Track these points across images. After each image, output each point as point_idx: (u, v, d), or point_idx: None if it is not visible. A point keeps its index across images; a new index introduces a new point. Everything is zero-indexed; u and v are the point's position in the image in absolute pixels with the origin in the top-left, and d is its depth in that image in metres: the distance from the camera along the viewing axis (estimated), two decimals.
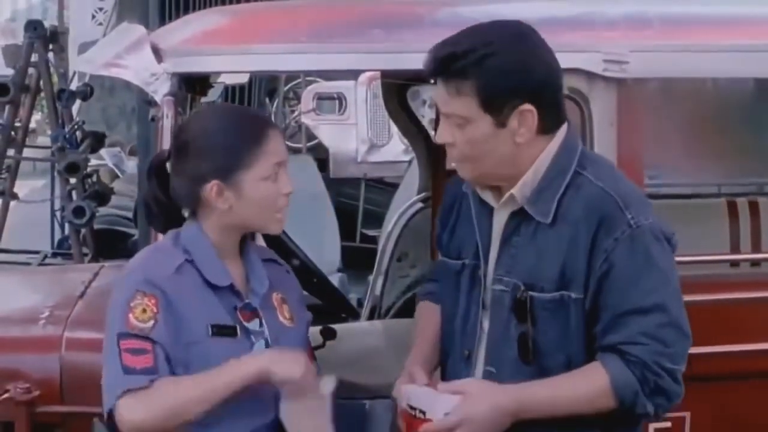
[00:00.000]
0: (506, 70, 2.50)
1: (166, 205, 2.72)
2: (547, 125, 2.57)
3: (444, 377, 2.75)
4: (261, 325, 2.71)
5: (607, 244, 2.51)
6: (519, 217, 2.61)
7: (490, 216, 2.69)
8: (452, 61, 2.51)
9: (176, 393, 2.53)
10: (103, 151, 9.93)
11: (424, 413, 2.56)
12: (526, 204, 2.59)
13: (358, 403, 2.76)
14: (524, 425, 2.53)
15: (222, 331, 2.63)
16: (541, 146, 2.58)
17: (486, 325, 2.68)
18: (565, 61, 3.06)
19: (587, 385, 2.52)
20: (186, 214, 2.73)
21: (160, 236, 2.97)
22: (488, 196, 2.68)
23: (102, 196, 8.14)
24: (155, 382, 2.53)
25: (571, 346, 2.57)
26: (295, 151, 9.36)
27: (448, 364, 2.78)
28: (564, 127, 2.62)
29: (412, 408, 2.59)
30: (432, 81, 2.61)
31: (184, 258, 2.65)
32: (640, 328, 2.50)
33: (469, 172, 2.64)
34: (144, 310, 2.56)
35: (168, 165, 2.74)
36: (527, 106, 2.51)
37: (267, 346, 2.69)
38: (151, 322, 2.56)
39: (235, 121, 2.69)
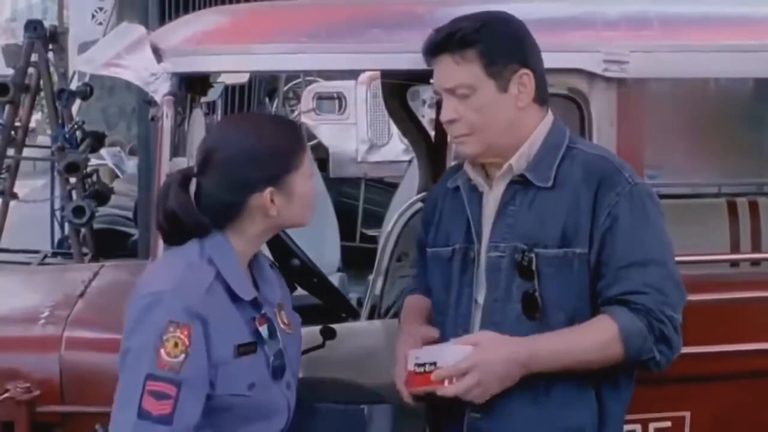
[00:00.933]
0: (504, 36, 2.71)
1: (198, 219, 2.65)
2: (542, 94, 2.74)
3: None
4: (275, 335, 2.69)
5: (610, 199, 2.66)
6: (516, 185, 2.74)
7: (479, 200, 2.81)
8: (455, 34, 2.69)
9: None
10: (103, 151, 9.93)
11: (434, 364, 2.58)
12: (526, 171, 2.73)
13: (356, 408, 2.75)
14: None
15: (246, 349, 2.61)
16: (538, 116, 2.76)
17: (481, 299, 2.75)
18: (565, 61, 3.08)
19: (597, 335, 2.62)
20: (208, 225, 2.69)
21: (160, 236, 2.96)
22: (479, 179, 2.80)
23: (102, 195, 8.15)
24: None
25: (575, 302, 2.67)
26: None
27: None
28: (550, 115, 2.79)
29: (421, 365, 2.61)
30: (431, 64, 2.75)
31: (213, 274, 2.60)
32: (643, 279, 2.62)
33: (474, 145, 2.74)
34: (176, 344, 2.50)
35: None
36: (525, 71, 2.70)
37: (280, 355, 2.69)
38: (183, 356, 2.50)
39: (275, 127, 2.72)
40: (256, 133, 2.67)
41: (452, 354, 2.58)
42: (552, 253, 2.67)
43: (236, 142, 2.65)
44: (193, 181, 2.67)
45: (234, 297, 2.61)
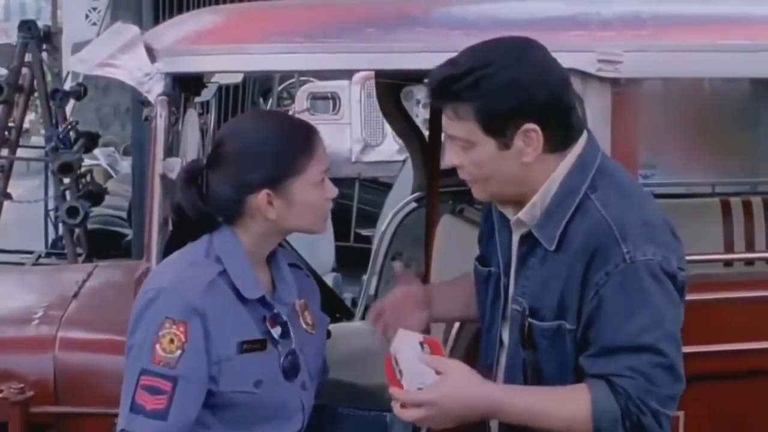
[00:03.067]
0: (505, 90, 2.40)
1: (203, 213, 2.65)
2: (556, 143, 2.47)
3: None
4: (288, 335, 2.68)
5: (598, 278, 2.41)
6: (530, 239, 2.54)
7: (510, 231, 2.62)
8: (449, 84, 2.44)
9: None
10: (96, 151, 9.92)
11: (401, 374, 2.49)
12: (534, 228, 2.51)
13: (379, 415, 2.75)
14: None
15: (252, 346, 2.61)
16: (552, 164, 2.49)
17: (505, 339, 2.64)
18: (559, 61, 3.07)
19: (567, 404, 2.42)
20: (219, 220, 2.68)
21: (155, 233, 2.96)
22: (509, 212, 2.61)
23: (96, 196, 8.14)
24: None
25: (570, 379, 2.49)
26: None
27: (477, 365, 2.69)
28: (581, 141, 2.53)
29: (396, 361, 2.52)
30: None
31: (217, 271, 2.59)
32: (629, 363, 2.38)
33: (480, 193, 2.57)
34: (171, 340, 2.50)
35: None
36: (531, 125, 2.42)
37: (293, 356, 2.68)
38: (178, 353, 2.50)
39: (285, 128, 2.67)
40: (261, 131, 2.65)
41: (418, 375, 2.47)
42: (546, 326, 2.48)
43: (241, 138, 2.64)
44: (204, 175, 2.67)
45: (240, 294, 2.61)
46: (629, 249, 2.40)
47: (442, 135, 4.78)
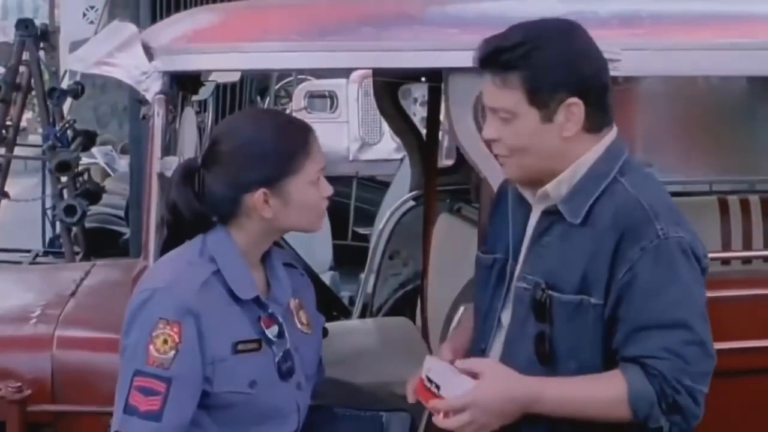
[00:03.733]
0: (553, 63, 2.48)
1: (199, 212, 2.64)
2: (594, 123, 2.53)
3: None
4: (283, 335, 2.68)
5: (632, 254, 2.45)
6: (552, 216, 2.57)
7: (526, 214, 2.65)
8: (500, 54, 2.49)
9: None
10: (94, 150, 9.90)
11: (438, 387, 2.53)
12: (559, 203, 2.55)
13: (375, 415, 2.75)
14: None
15: (246, 347, 2.60)
16: (587, 145, 2.55)
17: (505, 320, 2.66)
18: None
19: (604, 390, 2.46)
20: (214, 219, 2.68)
21: (152, 231, 2.96)
22: (528, 194, 2.65)
23: (93, 194, 8.13)
24: None
25: (586, 352, 2.52)
26: None
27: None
28: (612, 132, 2.59)
29: (429, 380, 2.56)
30: (480, 74, 2.57)
31: (211, 271, 2.59)
32: (662, 343, 2.43)
33: (514, 168, 2.59)
34: (165, 341, 2.50)
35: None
36: (574, 100, 2.49)
37: (288, 355, 2.67)
38: (172, 353, 2.49)
39: (282, 127, 2.66)
40: (258, 130, 2.64)
41: (455, 384, 2.51)
42: (566, 299, 2.50)
43: (238, 137, 2.63)
44: (200, 174, 2.66)
45: (234, 294, 2.60)
46: (662, 226, 2.46)
47: (440, 133, 4.78)
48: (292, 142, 2.63)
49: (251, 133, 2.63)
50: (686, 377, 2.43)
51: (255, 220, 2.63)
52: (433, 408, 2.50)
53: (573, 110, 2.49)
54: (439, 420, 2.48)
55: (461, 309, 3.03)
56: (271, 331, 2.64)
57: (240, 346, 2.59)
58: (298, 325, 2.74)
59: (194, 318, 2.52)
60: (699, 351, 2.46)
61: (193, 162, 2.69)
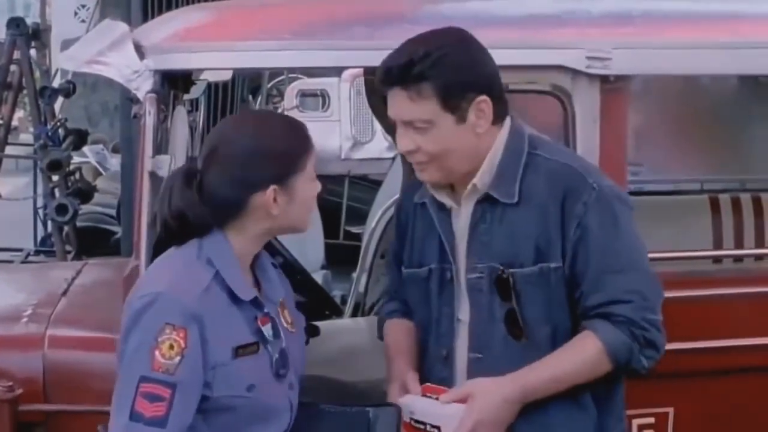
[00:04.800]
0: (460, 66, 2.62)
1: (202, 215, 2.61)
2: (499, 114, 2.69)
3: (422, 383, 2.76)
4: (278, 334, 2.68)
5: (577, 209, 2.63)
6: (483, 204, 2.70)
7: (449, 218, 2.77)
8: (410, 67, 2.61)
9: None
10: (85, 149, 9.89)
11: (438, 428, 2.61)
12: (489, 188, 2.69)
13: (361, 411, 2.75)
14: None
15: (246, 351, 2.59)
16: (495, 134, 2.70)
17: (464, 317, 2.74)
18: (548, 58, 3.08)
19: (584, 356, 2.62)
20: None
21: (144, 230, 2.95)
22: (445, 198, 2.76)
23: (85, 193, 8.12)
24: None
25: (556, 316, 2.67)
26: None
27: (423, 370, 2.80)
28: (507, 116, 2.73)
29: (420, 423, 2.63)
30: (384, 92, 2.69)
31: (211, 275, 2.57)
32: (622, 286, 2.62)
33: (434, 173, 2.71)
34: (171, 346, 2.48)
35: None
36: (483, 98, 2.63)
37: (284, 354, 2.67)
38: (178, 359, 2.48)
39: (286, 127, 2.69)
40: (263, 130, 2.65)
41: (451, 414, 2.59)
42: (528, 271, 2.65)
43: (242, 139, 2.62)
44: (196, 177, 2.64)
45: (234, 297, 2.59)
46: (594, 180, 2.67)
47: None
48: (297, 139, 2.66)
49: (257, 134, 2.64)
50: (648, 312, 2.63)
51: (258, 220, 2.62)
52: None
53: (482, 107, 2.64)
54: None
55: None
56: (267, 330, 2.64)
57: (240, 351, 2.58)
58: (285, 324, 2.74)
59: (198, 324, 2.51)
60: (651, 285, 2.66)
61: (193, 166, 2.67)
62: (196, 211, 2.60)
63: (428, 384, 2.71)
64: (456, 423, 2.57)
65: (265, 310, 2.66)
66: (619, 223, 2.66)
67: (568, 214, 2.63)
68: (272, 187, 2.59)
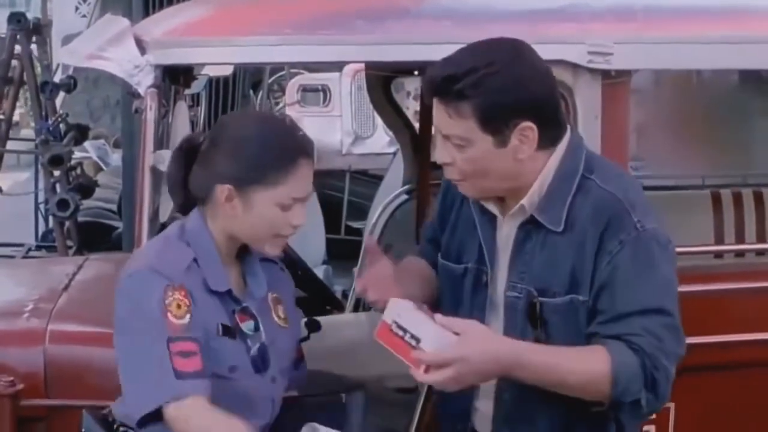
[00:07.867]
0: (505, 89, 2.48)
1: (181, 187, 2.69)
2: (548, 140, 2.56)
3: None
4: (257, 328, 2.69)
5: (612, 246, 2.52)
6: (529, 225, 2.60)
7: (492, 223, 2.68)
8: (452, 83, 2.48)
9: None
10: (87, 144, 9.88)
11: (418, 340, 2.46)
12: (536, 212, 2.58)
13: (336, 396, 2.76)
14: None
15: (227, 331, 2.63)
16: (543, 160, 2.57)
17: (493, 328, 2.64)
18: (549, 52, 3.06)
19: (588, 362, 2.49)
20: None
21: (145, 225, 2.96)
22: (492, 206, 2.67)
23: (86, 188, 8.10)
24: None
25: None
26: None
27: None
28: (566, 135, 2.61)
29: (401, 328, 2.49)
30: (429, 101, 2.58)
31: (192, 257, 2.62)
32: (642, 325, 2.49)
33: (470, 189, 2.63)
34: (179, 305, 2.54)
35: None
36: (527, 123, 2.50)
37: (263, 349, 2.68)
38: (188, 317, 2.54)
39: (273, 138, 2.63)
40: (252, 130, 2.65)
41: (437, 337, 2.45)
42: (559, 301, 2.55)
43: (235, 129, 2.66)
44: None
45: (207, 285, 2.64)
46: (639, 218, 2.53)
47: (432, 128, 4.77)
48: (277, 156, 2.60)
49: (245, 130, 2.65)
50: (663, 356, 2.49)
51: (223, 215, 2.64)
52: (416, 361, 2.45)
53: (527, 134, 2.51)
54: (419, 374, 2.45)
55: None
56: (247, 326, 2.67)
57: (223, 329, 2.62)
58: (275, 319, 2.75)
59: (188, 290, 2.57)
60: (674, 334, 2.53)
61: (195, 138, 2.71)
62: (173, 181, 2.70)
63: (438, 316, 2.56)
64: (438, 345, 2.43)
65: (243, 305, 2.67)
66: (654, 267, 2.53)
67: (603, 249, 2.52)
68: (228, 185, 2.59)
